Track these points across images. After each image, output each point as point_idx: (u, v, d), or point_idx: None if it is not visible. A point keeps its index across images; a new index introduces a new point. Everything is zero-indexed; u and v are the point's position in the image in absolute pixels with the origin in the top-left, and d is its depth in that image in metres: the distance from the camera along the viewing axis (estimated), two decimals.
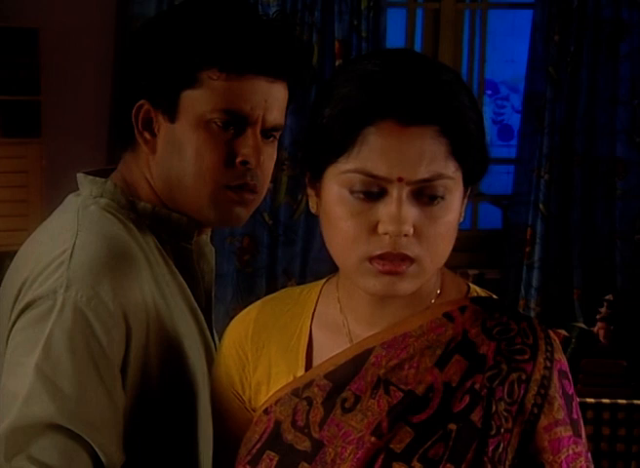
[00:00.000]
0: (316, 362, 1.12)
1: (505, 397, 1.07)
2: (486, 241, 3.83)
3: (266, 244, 3.56)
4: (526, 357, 1.08)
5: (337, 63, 3.49)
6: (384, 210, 1.01)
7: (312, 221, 3.60)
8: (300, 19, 3.45)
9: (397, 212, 1.00)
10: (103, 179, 1.28)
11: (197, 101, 1.23)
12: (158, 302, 1.21)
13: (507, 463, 1.07)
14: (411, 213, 1.01)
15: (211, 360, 1.29)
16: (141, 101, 1.26)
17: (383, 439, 1.06)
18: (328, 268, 4.21)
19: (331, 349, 1.11)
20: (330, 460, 1.06)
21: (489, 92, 9.49)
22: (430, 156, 1.00)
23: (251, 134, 1.24)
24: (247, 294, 3.51)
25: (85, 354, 1.11)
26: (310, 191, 1.10)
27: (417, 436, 1.05)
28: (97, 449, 1.11)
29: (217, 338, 1.34)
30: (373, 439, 1.06)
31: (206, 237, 1.34)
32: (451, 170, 1.02)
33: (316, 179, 1.07)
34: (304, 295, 1.17)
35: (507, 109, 11.04)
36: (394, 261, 1.02)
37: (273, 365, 1.14)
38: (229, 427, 1.18)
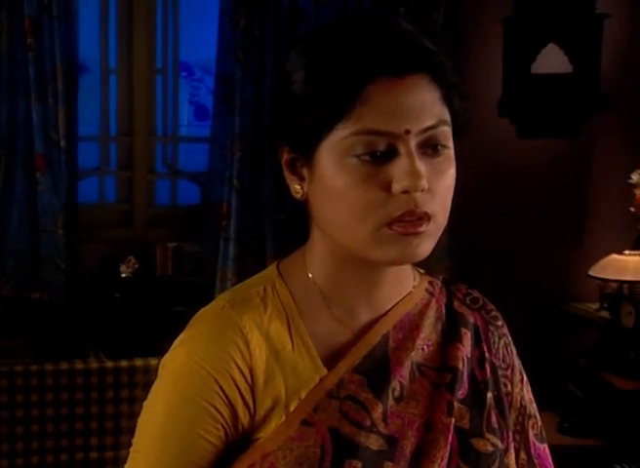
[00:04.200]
0: (328, 356, 1.05)
1: (501, 363, 1.13)
2: (185, 216, 3.97)
3: None
4: (500, 322, 1.15)
5: (28, 41, 3.45)
6: (397, 167, 0.97)
7: (6, 199, 3.53)
8: None
9: (411, 166, 0.96)
10: None
11: None
12: None
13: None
14: (423, 166, 0.98)
15: None
16: None
17: (454, 419, 1.05)
18: (28, 245, 4.23)
19: (335, 339, 1.06)
20: (409, 453, 1.03)
21: (184, 73, 9.65)
22: (430, 103, 0.98)
23: None
24: None
25: None
26: (291, 176, 1.04)
27: (472, 410, 1.07)
28: None
29: None
30: (453, 420, 1.05)
31: None
32: (447, 116, 1.00)
33: (304, 159, 1.02)
34: (271, 293, 1.07)
35: (202, 90, 11.27)
36: (414, 222, 0.98)
37: (289, 376, 1.03)
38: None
